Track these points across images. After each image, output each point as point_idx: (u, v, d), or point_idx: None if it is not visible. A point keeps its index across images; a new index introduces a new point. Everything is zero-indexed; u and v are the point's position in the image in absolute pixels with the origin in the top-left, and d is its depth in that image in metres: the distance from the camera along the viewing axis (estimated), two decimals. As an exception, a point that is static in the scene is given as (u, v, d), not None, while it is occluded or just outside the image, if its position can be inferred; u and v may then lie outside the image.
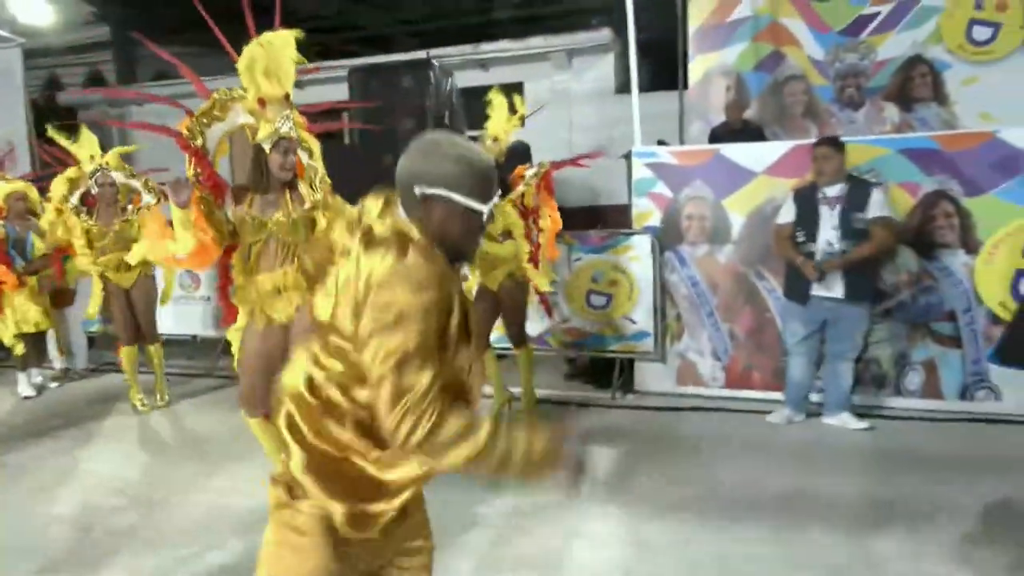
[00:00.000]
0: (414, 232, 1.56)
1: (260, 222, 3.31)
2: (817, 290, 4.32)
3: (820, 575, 2.87)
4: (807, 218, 4.34)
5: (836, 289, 4.28)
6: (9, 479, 4.19)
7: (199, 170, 3.26)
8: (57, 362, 6.44)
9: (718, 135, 5.92)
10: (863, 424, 4.44)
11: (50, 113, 9.83)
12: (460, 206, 1.59)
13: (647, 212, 5.18)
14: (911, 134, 5.46)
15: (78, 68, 12.72)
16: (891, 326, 4.72)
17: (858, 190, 4.27)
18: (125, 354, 5.35)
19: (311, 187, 3.47)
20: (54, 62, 12.07)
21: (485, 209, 1.61)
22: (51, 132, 5.21)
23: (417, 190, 1.58)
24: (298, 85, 3.45)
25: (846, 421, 4.46)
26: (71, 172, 5.21)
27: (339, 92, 6.77)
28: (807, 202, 4.36)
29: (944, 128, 5.66)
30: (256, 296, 3.32)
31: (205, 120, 3.33)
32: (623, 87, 7.77)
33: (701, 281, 5.10)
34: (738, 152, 5.02)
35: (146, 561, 3.18)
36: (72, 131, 5.25)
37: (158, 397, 5.50)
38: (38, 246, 5.70)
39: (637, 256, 5.16)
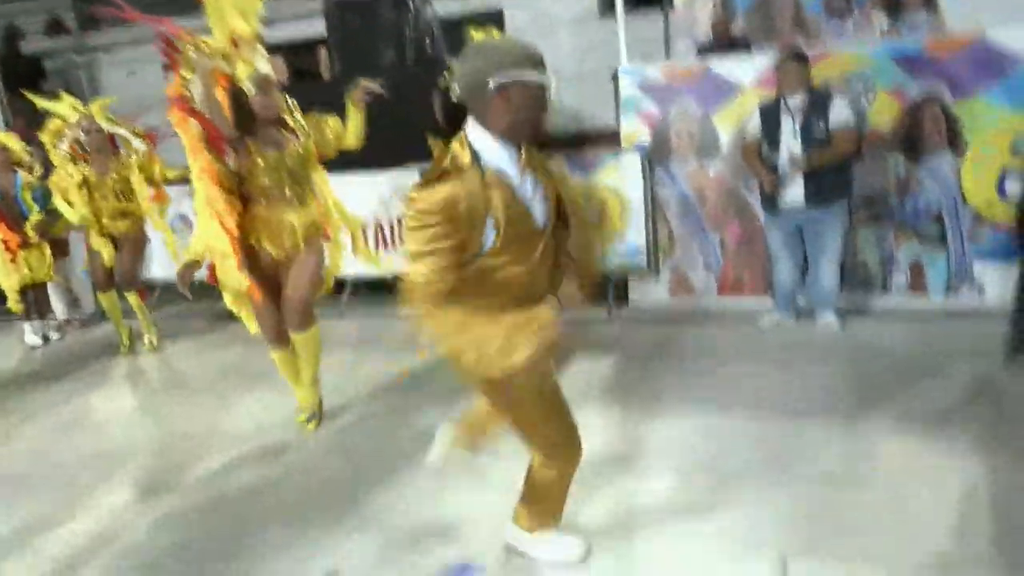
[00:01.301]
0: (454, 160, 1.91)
1: (277, 158, 3.34)
2: (786, 198, 4.46)
3: (812, 469, 3.03)
4: (771, 130, 4.45)
5: (801, 196, 4.41)
6: (27, 421, 4.30)
7: (204, 128, 3.24)
8: (60, 312, 6.48)
9: (705, 53, 5.90)
10: (841, 323, 4.61)
11: (15, 63, 9.60)
12: (532, 84, 1.88)
13: (635, 131, 5.21)
14: (898, 40, 5.46)
15: (38, 16, 12.30)
16: (878, 230, 4.84)
17: (819, 99, 4.36)
18: (104, 300, 5.43)
19: (294, 116, 3.51)
20: (12, 10, 11.64)
21: (550, 83, 1.91)
22: (27, 95, 5.17)
23: (492, 83, 1.85)
24: (269, 22, 3.44)
25: (831, 321, 4.63)
26: (53, 125, 5.16)
27: (315, 27, 6.66)
28: (771, 115, 4.46)
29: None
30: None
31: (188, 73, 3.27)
32: (607, 9, 7.66)
33: (691, 195, 5.18)
34: (726, 66, 5.03)
35: (167, 483, 3.33)
36: (41, 79, 5.22)
37: (147, 341, 5.58)
38: (30, 203, 5.63)
39: (627, 175, 5.21)
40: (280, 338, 3.63)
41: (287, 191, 3.41)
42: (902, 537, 2.48)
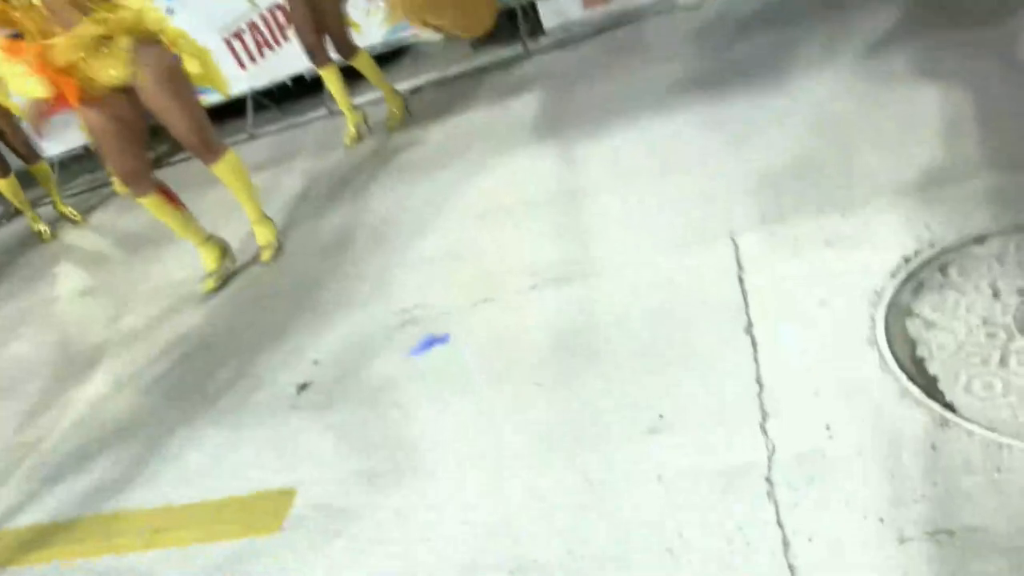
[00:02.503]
0: None
1: None
2: None
3: (759, 117, 2.91)
4: None
5: None
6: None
7: None
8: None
9: None
10: None
11: None
12: None
13: None
14: None
15: None
16: None
17: None
18: (3, 187, 5.06)
19: None
20: None
21: None
22: None
23: None
24: None
25: None
26: None
27: None
28: None
29: None
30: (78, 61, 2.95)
31: None
32: None
33: None
34: None
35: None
36: None
37: (71, 215, 5.27)
38: None
39: None
40: (135, 179, 3.31)
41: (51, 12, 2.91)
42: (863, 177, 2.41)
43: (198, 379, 2.85)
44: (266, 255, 3.55)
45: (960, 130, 2.36)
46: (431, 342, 2.51)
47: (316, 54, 4.28)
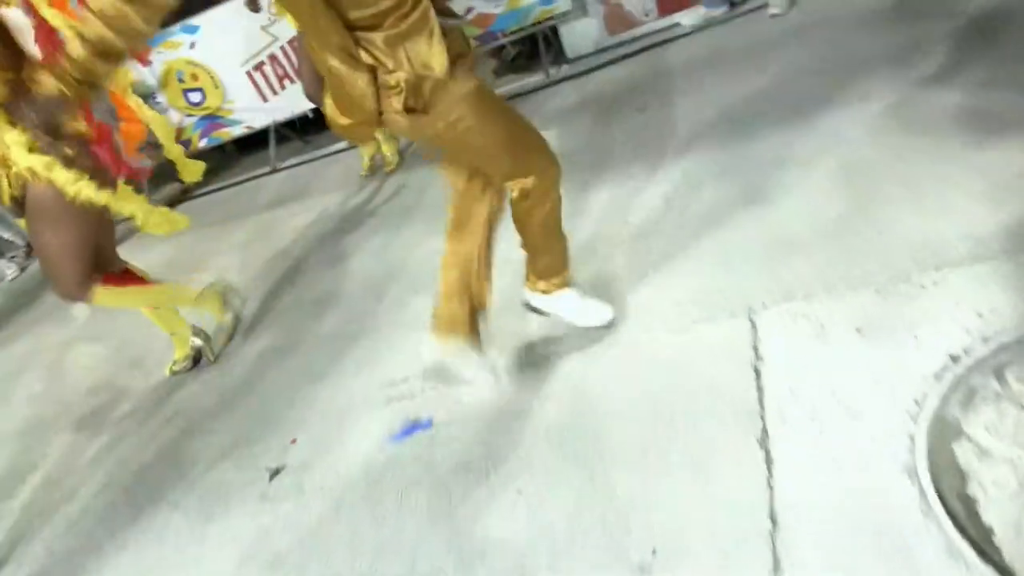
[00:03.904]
0: None
1: None
2: None
3: (783, 166, 2.59)
4: None
5: None
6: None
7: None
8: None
9: None
10: (783, 3, 3.94)
11: None
12: None
13: None
14: None
15: None
16: None
17: None
18: None
19: None
20: None
21: None
22: None
23: None
24: None
25: (775, 3, 3.96)
26: None
27: None
28: None
29: None
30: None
31: None
32: None
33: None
34: None
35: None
36: None
37: None
38: None
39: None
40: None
41: None
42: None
43: (177, 451, 2.66)
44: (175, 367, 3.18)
45: (1020, 193, 2.01)
46: (413, 428, 2.26)
47: (318, 104, 4.11)
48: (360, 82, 1.72)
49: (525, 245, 2.19)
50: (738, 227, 2.43)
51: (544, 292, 2.26)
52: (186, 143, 5.37)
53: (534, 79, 4.73)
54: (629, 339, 2.20)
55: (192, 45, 5.14)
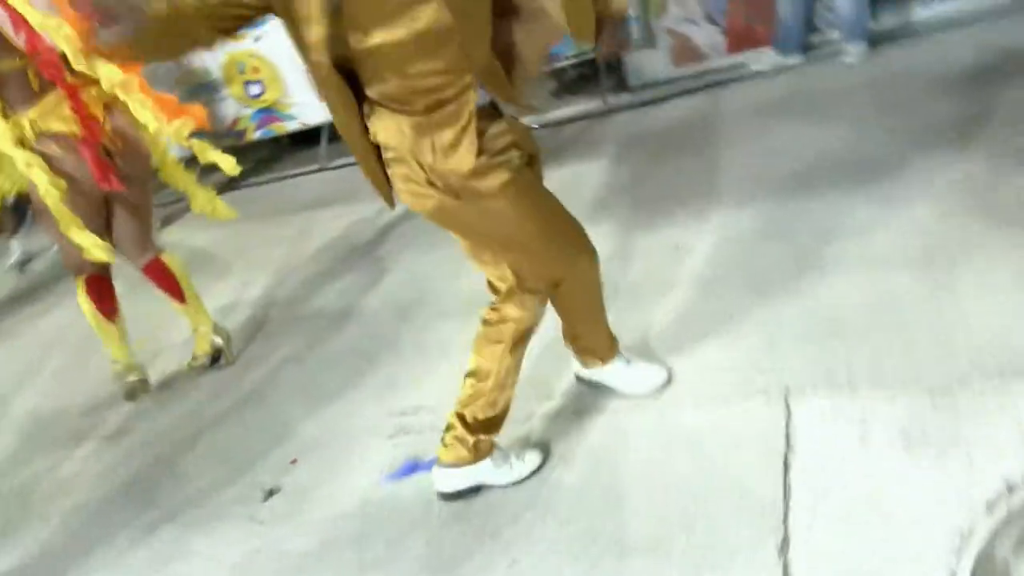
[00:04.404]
0: None
1: None
2: None
3: (841, 234, 2.42)
4: None
5: None
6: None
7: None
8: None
9: None
10: (865, 54, 3.75)
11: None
12: None
13: None
14: None
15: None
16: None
17: None
18: None
19: None
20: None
21: None
22: None
23: None
24: None
25: (852, 52, 3.77)
26: None
27: None
28: None
29: None
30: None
31: None
32: None
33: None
34: None
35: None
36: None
37: None
38: None
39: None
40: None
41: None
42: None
43: (179, 455, 2.60)
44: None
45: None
46: (413, 468, 2.16)
47: None
48: (371, 160, 1.64)
49: (564, 329, 2.07)
50: (786, 297, 2.27)
51: (590, 367, 2.14)
52: (240, 133, 5.40)
53: (592, 104, 4.60)
54: (656, 410, 2.05)
55: (257, 38, 5.16)
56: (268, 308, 3.50)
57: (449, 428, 1.94)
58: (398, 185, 1.67)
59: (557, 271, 1.83)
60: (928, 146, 2.77)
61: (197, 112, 2.72)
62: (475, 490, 1.95)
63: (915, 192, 2.54)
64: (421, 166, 1.60)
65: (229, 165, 2.64)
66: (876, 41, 3.82)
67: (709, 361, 2.14)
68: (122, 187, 2.58)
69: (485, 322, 1.90)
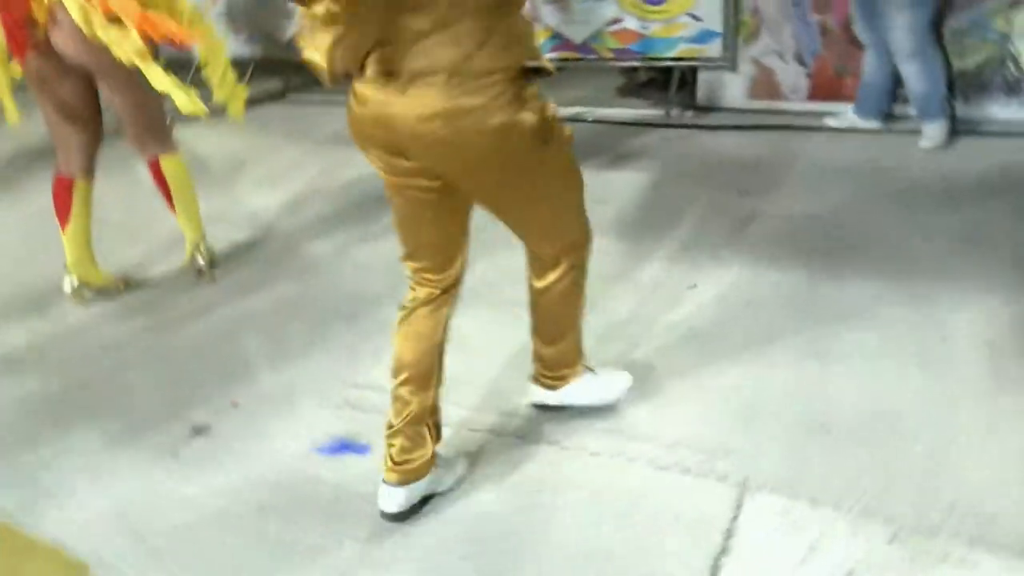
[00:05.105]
0: None
1: None
2: None
3: (860, 326, 2.24)
4: None
5: None
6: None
7: None
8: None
9: None
10: (943, 138, 3.50)
11: None
12: None
13: None
14: None
15: None
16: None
17: None
18: None
19: None
20: None
21: None
22: None
23: None
24: None
25: (928, 134, 3.54)
26: None
27: None
28: None
29: None
30: None
31: None
32: None
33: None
34: None
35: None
36: None
37: None
38: None
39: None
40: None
41: None
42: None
43: (125, 367, 2.52)
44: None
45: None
46: (345, 447, 2.06)
47: None
48: None
49: (541, 336, 1.94)
50: (782, 379, 2.11)
51: (556, 386, 2.01)
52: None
53: (654, 113, 4.40)
54: (605, 455, 1.92)
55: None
56: (268, 234, 3.41)
57: None
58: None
59: (579, 237, 1.78)
60: (986, 264, 2.55)
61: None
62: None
63: (954, 309, 2.33)
64: None
65: (182, 101, 2.42)
66: (958, 130, 3.57)
67: (679, 422, 1.99)
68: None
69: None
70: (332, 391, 2.30)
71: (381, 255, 3.10)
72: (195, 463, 2.06)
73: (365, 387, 2.29)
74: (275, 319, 2.72)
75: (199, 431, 2.17)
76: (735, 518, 1.68)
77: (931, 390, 2.00)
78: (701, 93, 4.34)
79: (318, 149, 4.40)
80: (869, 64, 3.62)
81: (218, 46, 2.68)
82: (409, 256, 1.75)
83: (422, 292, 1.76)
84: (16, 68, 2.59)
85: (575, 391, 2.01)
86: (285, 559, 1.72)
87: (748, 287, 2.60)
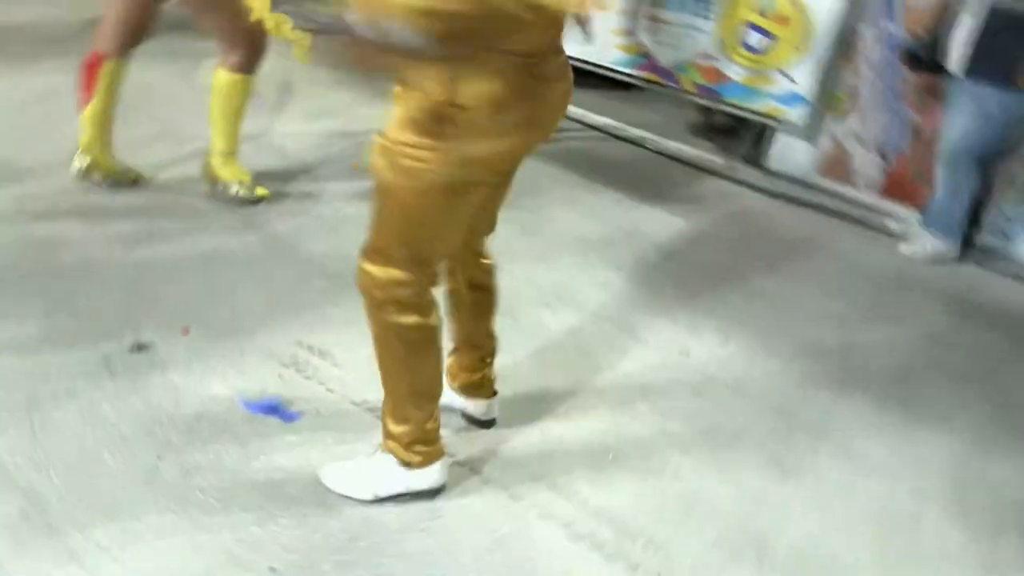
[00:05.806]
0: None
1: None
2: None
3: (836, 453, 2.08)
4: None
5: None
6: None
7: None
8: None
9: None
10: (920, 249, 3.42)
11: None
12: None
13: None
14: None
15: None
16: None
17: None
18: None
19: None
20: None
21: None
22: None
23: None
24: None
25: (914, 241, 3.43)
26: None
27: None
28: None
29: None
30: None
31: None
32: None
33: (906, 39, 3.62)
34: None
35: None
36: None
37: None
38: None
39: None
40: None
41: None
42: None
43: (92, 271, 2.44)
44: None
45: None
46: (274, 409, 1.98)
47: None
48: None
49: (471, 342, 1.89)
50: (736, 484, 1.96)
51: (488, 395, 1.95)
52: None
53: (717, 159, 4.21)
54: (526, 502, 1.81)
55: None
56: (290, 167, 3.34)
57: None
58: None
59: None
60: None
61: None
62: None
63: (935, 459, 2.16)
64: None
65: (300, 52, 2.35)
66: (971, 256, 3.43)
67: (613, 499, 1.86)
68: None
69: None
70: (284, 349, 2.22)
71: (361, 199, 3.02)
72: (121, 377, 2.01)
73: (315, 352, 2.22)
74: (258, 262, 2.63)
75: (140, 347, 2.12)
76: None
77: (883, 557, 1.84)
78: (771, 154, 4.13)
79: (374, 98, 4.32)
80: (941, 177, 3.39)
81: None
82: (438, 261, 1.60)
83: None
84: None
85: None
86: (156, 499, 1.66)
87: (739, 370, 2.45)
